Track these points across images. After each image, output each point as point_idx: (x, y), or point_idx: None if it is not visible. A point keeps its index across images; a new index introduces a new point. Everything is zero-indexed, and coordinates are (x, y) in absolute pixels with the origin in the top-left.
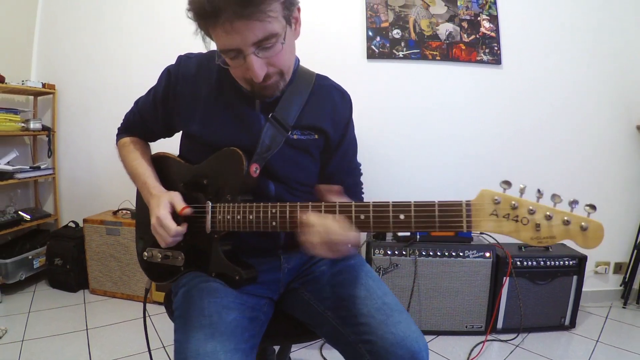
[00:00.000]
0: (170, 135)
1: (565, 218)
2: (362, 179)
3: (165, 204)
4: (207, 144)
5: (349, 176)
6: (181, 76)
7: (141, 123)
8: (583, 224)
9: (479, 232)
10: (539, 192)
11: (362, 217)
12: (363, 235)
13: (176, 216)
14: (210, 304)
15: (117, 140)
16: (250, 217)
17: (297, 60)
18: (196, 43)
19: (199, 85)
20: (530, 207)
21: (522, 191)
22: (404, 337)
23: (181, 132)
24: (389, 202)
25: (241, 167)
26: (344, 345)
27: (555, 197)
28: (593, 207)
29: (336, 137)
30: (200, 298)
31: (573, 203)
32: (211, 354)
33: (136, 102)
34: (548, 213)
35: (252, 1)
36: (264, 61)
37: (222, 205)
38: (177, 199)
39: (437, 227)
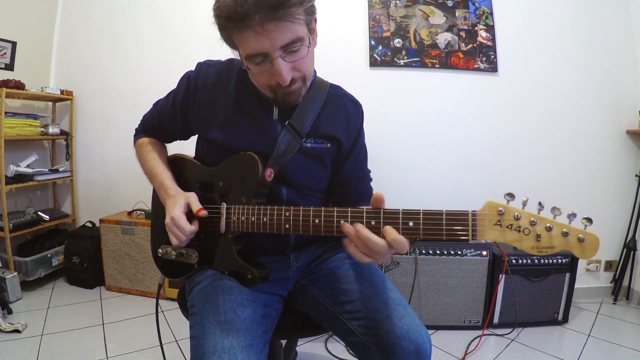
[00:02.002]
0: (186, 138)
1: (564, 230)
2: None
3: (181, 204)
4: (225, 148)
5: (361, 182)
6: (201, 83)
7: (159, 125)
8: (580, 235)
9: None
10: (540, 205)
11: (373, 223)
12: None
13: (189, 216)
14: (226, 301)
15: (135, 140)
16: (265, 219)
17: (314, 71)
18: (205, 54)
19: (217, 93)
20: (532, 219)
21: (524, 203)
22: (408, 330)
23: (197, 135)
24: (399, 209)
25: (256, 171)
26: (351, 338)
27: (555, 210)
28: (590, 220)
29: (348, 145)
30: (216, 295)
31: (571, 216)
32: (228, 350)
33: (155, 104)
34: (548, 225)
35: (283, 4)
36: (290, 65)
37: (237, 207)
38: (193, 199)
39: (444, 236)
